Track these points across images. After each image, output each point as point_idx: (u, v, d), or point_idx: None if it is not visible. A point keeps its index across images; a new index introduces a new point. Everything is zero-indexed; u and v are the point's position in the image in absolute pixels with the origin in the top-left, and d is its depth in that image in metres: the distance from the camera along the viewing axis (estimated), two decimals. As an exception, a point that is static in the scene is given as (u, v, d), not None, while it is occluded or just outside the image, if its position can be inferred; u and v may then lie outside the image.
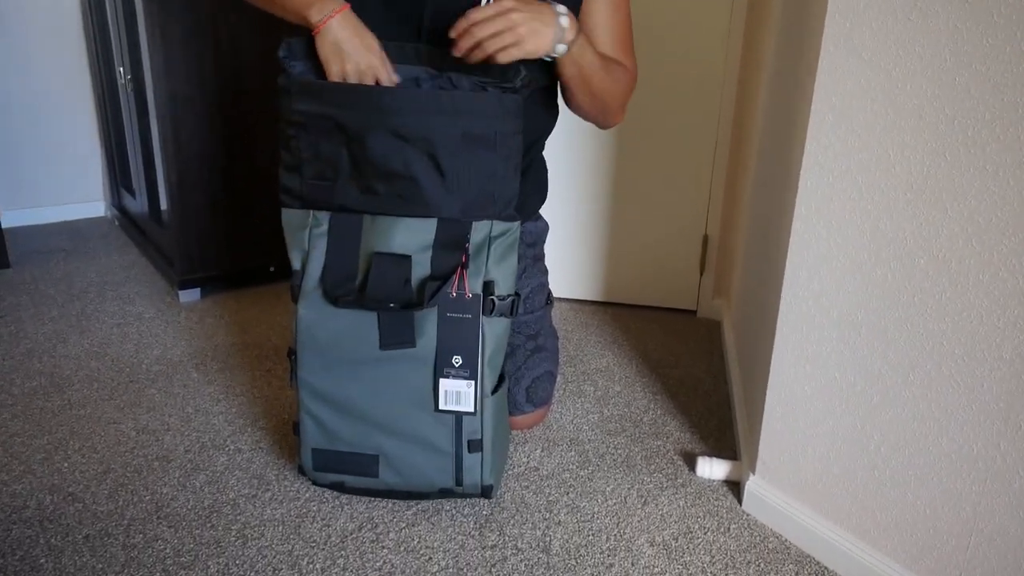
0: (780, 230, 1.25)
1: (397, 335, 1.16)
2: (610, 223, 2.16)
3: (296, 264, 1.20)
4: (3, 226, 2.69)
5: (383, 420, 1.20)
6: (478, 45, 1.06)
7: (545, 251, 1.64)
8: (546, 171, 1.47)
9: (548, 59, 1.15)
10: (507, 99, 1.10)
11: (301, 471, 1.30)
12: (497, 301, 1.17)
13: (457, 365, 1.17)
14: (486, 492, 1.24)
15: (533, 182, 1.42)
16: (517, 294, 1.21)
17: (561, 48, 1.11)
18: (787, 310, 1.17)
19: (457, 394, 1.18)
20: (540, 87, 1.27)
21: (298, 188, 1.16)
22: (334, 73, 1.11)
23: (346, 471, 1.24)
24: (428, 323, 1.15)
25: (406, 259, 1.15)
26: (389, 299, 1.14)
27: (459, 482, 1.22)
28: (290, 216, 1.19)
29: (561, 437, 1.52)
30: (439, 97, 1.08)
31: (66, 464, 1.38)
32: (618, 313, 2.18)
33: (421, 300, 1.15)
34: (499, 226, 1.16)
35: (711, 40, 1.94)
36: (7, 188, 2.81)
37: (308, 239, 1.17)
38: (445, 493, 1.25)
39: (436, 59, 1.15)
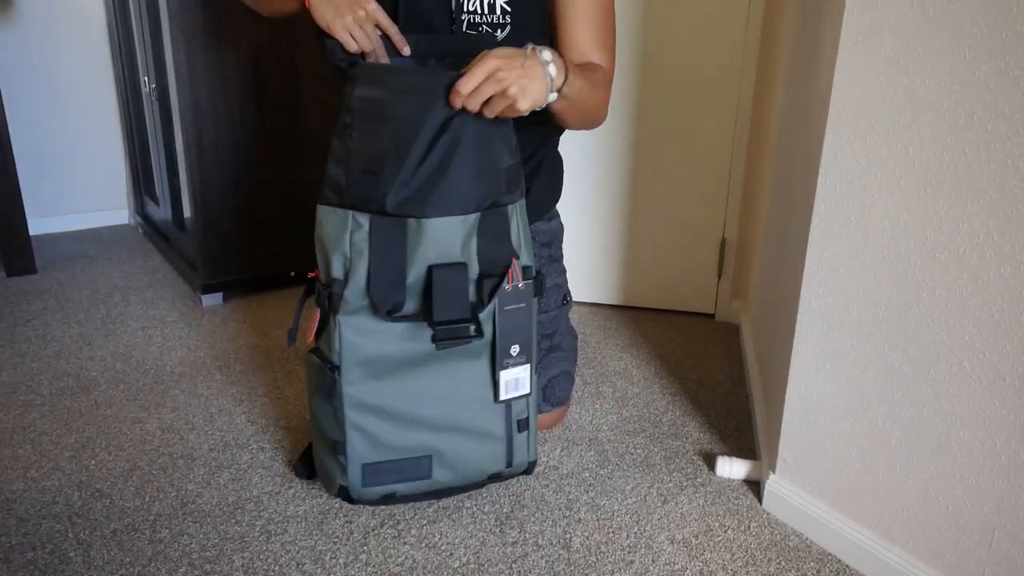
0: (799, 228, 1.26)
1: (453, 333, 1.14)
2: (628, 227, 2.17)
3: (337, 272, 1.12)
4: (30, 233, 2.74)
5: (435, 419, 1.19)
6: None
7: (563, 252, 1.64)
8: (562, 168, 1.47)
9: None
10: None
11: (343, 495, 1.22)
12: (535, 281, 1.20)
13: (515, 354, 1.20)
14: (530, 468, 1.27)
15: (547, 179, 1.42)
16: (539, 272, 1.23)
17: (552, 97, 1.08)
18: (806, 308, 1.18)
19: (516, 381, 1.21)
20: None
21: (342, 181, 1.10)
22: (338, 28, 1.11)
23: (398, 479, 1.21)
24: (481, 316, 1.16)
25: (462, 267, 1.12)
26: (456, 316, 1.13)
27: (509, 463, 1.24)
28: (328, 217, 1.13)
29: (580, 437, 1.52)
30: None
31: (93, 462, 1.40)
32: (636, 316, 2.18)
33: (481, 301, 1.14)
34: (518, 208, 1.18)
35: (728, 42, 1.95)
36: (33, 196, 2.86)
37: (350, 244, 1.11)
38: (493, 479, 1.26)
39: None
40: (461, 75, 1.02)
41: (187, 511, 1.27)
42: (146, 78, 2.39)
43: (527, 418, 1.25)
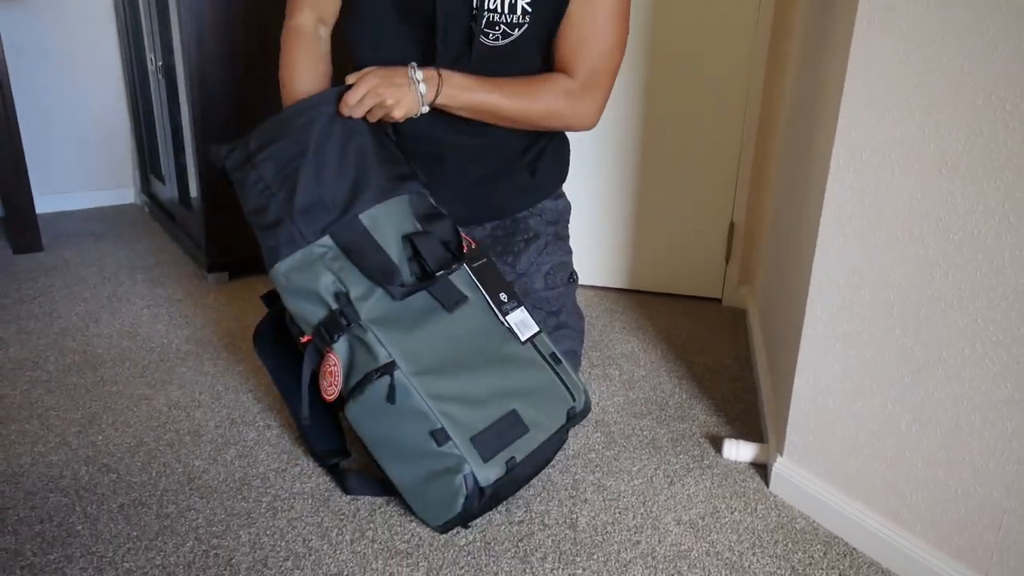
0: (810, 210, 1.25)
1: (452, 296, 1.22)
2: (636, 211, 2.16)
3: (330, 290, 1.17)
4: (36, 211, 2.74)
5: (495, 381, 1.19)
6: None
7: (570, 233, 1.64)
8: (568, 150, 1.49)
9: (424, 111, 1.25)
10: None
11: (472, 489, 1.11)
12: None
13: (505, 300, 1.27)
14: (588, 401, 1.30)
15: (552, 161, 1.44)
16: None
17: (425, 108, 1.23)
18: (817, 290, 1.17)
19: (523, 322, 1.27)
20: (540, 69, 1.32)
21: (285, 228, 1.20)
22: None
23: (508, 440, 1.16)
24: (459, 281, 1.25)
25: (430, 235, 1.24)
26: (444, 265, 1.22)
27: (573, 397, 1.27)
28: (292, 270, 1.20)
29: (587, 419, 1.52)
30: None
31: (100, 437, 1.41)
32: (643, 300, 2.18)
33: (456, 259, 1.24)
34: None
35: (739, 25, 1.93)
36: (40, 174, 2.86)
37: (328, 269, 1.18)
38: (570, 417, 1.26)
39: None
40: (343, 90, 1.21)
41: (194, 487, 1.27)
42: (152, 56, 2.38)
43: (553, 352, 1.28)
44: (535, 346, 1.27)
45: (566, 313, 1.46)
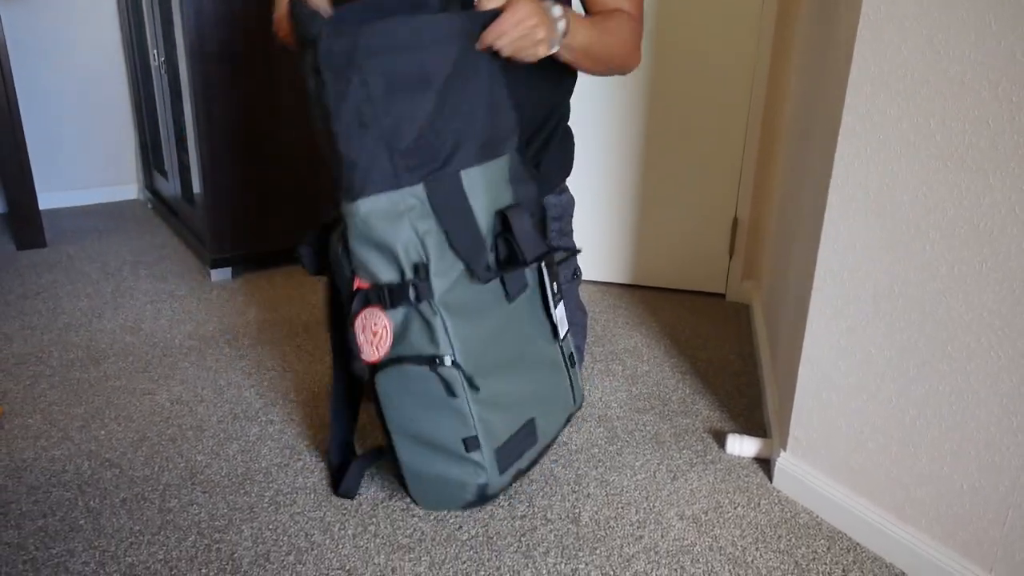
0: (815, 203, 1.24)
1: (517, 284, 1.14)
2: (639, 206, 2.15)
3: (406, 269, 1.04)
4: (40, 207, 2.74)
5: (530, 383, 1.16)
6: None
7: (574, 229, 1.63)
8: (572, 143, 1.46)
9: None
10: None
11: (480, 495, 1.11)
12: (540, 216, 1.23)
13: (556, 291, 1.20)
14: (582, 398, 1.28)
15: (557, 153, 1.41)
16: (543, 209, 1.25)
17: (555, 47, 1.11)
18: (821, 284, 1.16)
19: (562, 318, 1.23)
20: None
21: (384, 158, 1.01)
22: None
23: (521, 452, 1.15)
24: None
25: (519, 207, 1.12)
26: (542, 250, 1.12)
27: (575, 400, 1.25)
28: (374, 211, 1.02)
29: (589, 414, 1.52)
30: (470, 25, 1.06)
31: (103, 432, 1.41)
32: (646, 296, 2.17)
33: (548, 247, 1.15)
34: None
35: (743, 20, 1.92)
36: (43, 170, 2.86)
37: (413, 228, 1.03)
38: (567, 423, 1.25)
39: None
40: (483, 16, 1.04)
41: (196, 481, 1.27)
42: (155, 52, 2.37)
43: (572, 353, 1.26)
44: (561, 346, 1.23)
45: (570, 309, 1.45)
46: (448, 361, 1.05)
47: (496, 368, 1.10)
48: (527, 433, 1.16)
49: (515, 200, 1.14)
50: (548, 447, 1.25)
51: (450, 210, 1.05)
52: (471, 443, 1.08)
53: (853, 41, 1.06)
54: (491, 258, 1.09)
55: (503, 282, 1.11)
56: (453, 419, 1.08)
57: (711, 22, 1.94)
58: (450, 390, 1.06)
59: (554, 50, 1.12)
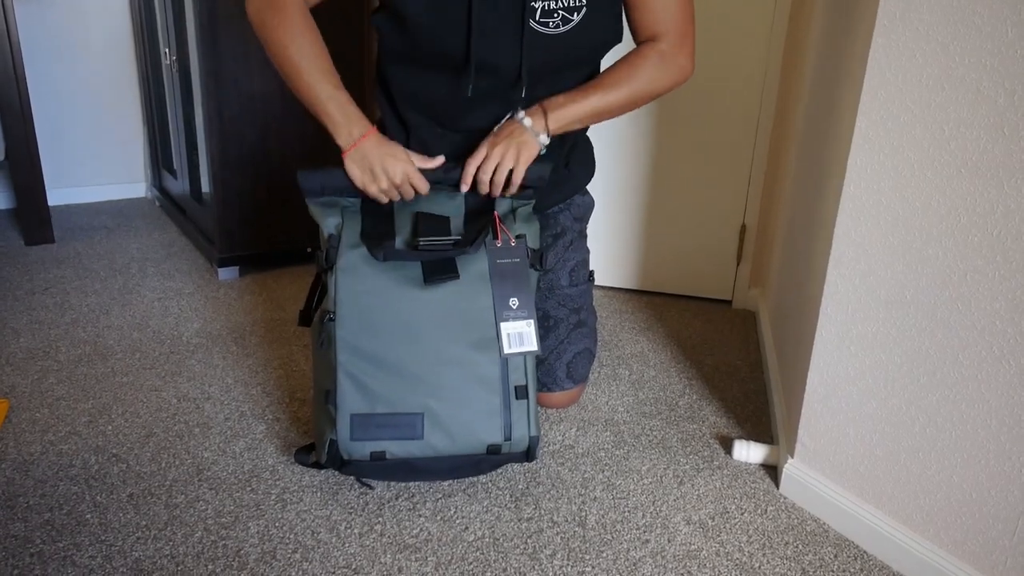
0: (827, 210, 1.24)
1: (441, 270, 1.18)
2: (648, 212, 2.15)
3: (331, 229, 1.20)
4: (49, 203, 2.75)
5: (429, 373, 1.16)
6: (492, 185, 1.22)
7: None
8: (591, 147, 1.48)
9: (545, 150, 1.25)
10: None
11: (332, 453, 1.16)
12: (531, 251, 1.24)
13: (515, 307, 1.20)
14: (531, 449, 1.20)
15: (582, 155, 1.44)
16: (541, 251, 1.26)
17: (544, 139, 1.23)
18: (832, 290, 1.16)
19: (520, 335, 1.19)
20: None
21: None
22: (372, 192, 1.19)
23: (389, 435, 1.15)
24: (472, 262, 1.20)
25: (446, 219, 1.22)
26: (439, 245, 1.19)
27: (508, 436, 1.17)
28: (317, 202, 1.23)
29: (596, 418, 1.51)
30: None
31: (110, 427, 1.41)
32: (653, 301, 2.17)
33: (467, 243, 1.20)
34: (520, 200, 1.27)
35: (754, 25, 1.92)
36: (53, 167, 2.87)
37: (342, 213, 1.21)
38: (492, 452, 1.18)
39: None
40: (461, 168, 1.22)
41: (203, 478, 1.27)
42: (166, 50, 2.38)
43: (525, 386, 1.19)
44: (505, 368, 1.19)
45: (585, 311, 1.45)
46: (332, 312, 1.17)
47: (392, 342, 1.17)
48: (407, 424, 1.16)
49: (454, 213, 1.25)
50: (452, 470, 1.20)
51: (375, 213, 1.22)
52: (329, 396, 1.17)
53: (868, 47, 1.06)
54: (398, 241, 1.20)
55: (426, 269, 1.19)
56: (326, 367, 1.18)
57: (722, 30, 1.95)
58: (328, 339, 1.17)
59: (547, 142, 1.23)
